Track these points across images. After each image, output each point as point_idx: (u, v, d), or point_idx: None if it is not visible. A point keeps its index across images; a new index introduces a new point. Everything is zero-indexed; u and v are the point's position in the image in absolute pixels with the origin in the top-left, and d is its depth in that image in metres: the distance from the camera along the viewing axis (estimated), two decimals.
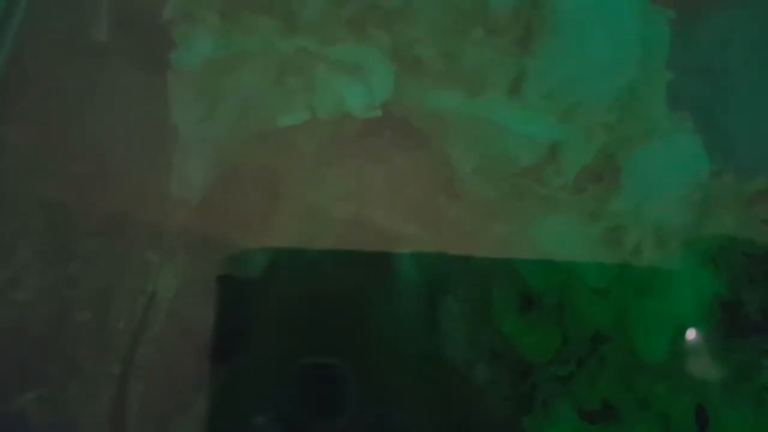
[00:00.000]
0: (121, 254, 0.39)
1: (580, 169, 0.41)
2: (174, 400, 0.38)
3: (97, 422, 0.37)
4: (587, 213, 0.40)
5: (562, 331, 0.39)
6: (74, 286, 0.38)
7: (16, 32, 0.41)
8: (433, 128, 0.41)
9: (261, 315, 0.39)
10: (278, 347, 0.39)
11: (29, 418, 0.37)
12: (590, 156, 0.41)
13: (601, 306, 0.39)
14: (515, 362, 0.38)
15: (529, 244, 0.40)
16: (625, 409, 0.38)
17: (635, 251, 0.40)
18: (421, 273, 0.39)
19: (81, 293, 0.38)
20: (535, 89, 0.41)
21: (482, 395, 0.38)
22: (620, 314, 0.39)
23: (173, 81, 0.41)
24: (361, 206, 0.40)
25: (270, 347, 0.38)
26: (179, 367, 0.38)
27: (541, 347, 0.39)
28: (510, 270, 0.39)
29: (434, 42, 0.42)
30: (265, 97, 0.41)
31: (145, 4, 0.42)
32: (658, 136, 0.41)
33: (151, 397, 0.37)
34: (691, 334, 0.39)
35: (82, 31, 0.41)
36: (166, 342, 0.38)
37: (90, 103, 0.41)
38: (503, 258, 0.40)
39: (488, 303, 0.39)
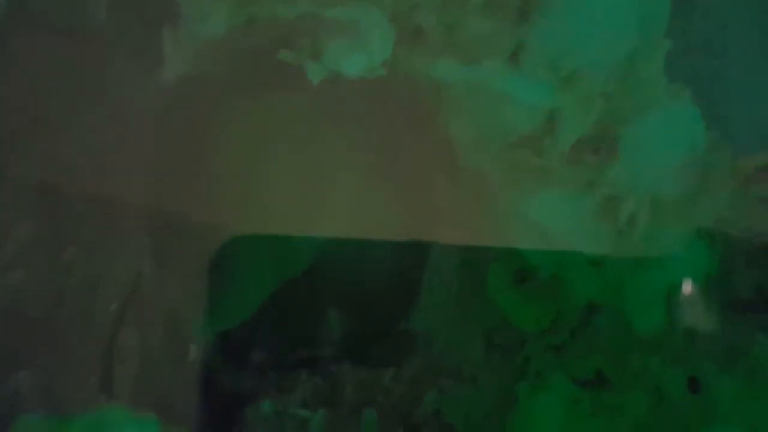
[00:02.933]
0: (114, 239, 0.38)
1: (577, 138, 0.41)
2: (167, 381, 0.38)
3: (88, 405, 0.37)
4: (584, 184, 0.40)
5: (557, 303, 0.39)
6: (69, 270, 0.38)
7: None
8: (432, 99, 0.40)
9: (249, 299, 0.39)
10: (267, 334, 0.39)
11: (22, 400, 0.37)
12: (587, 125, 0.41)
13: (595, 277, 0.40)
14: (510, 335, 0.39)
15: (526, 217, 0.40)
16: (618, 379, 0.39)
17: (630, 223, 0.40)
18: (417, 250, 0.39)
19: (75, 278, 0.38)
20: (534, 59, 0.41)
21: (477, 369, 0.39)
22: (615, 286, 0.40)
23: (172, 57, 0.40)
24: (357, 185, 0.40)
25: (258, 333, 0.39)
26: (167, 348, 0.38)
27: (537, 319, 0.39)
28: (506, 243, 0.40)
29: (433, 10, 0.40)
30: (263, 67, 0.40)
31: None
32: (657, 107, 0.41)
33: (143, 377, 0.38)
34: (684, 306, 0.39)
35: (79, 15, 0.40)
36: (154, 323, 0.38)
37: (87, 90, 0.40)
38: (500, 231, 0.40)
39: (485, 277, 0.39)
